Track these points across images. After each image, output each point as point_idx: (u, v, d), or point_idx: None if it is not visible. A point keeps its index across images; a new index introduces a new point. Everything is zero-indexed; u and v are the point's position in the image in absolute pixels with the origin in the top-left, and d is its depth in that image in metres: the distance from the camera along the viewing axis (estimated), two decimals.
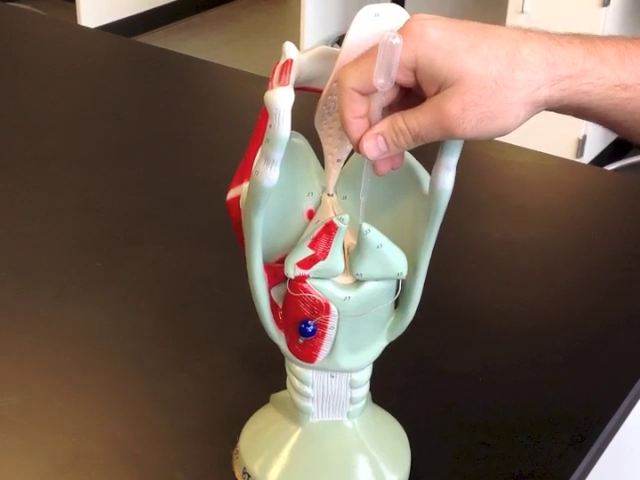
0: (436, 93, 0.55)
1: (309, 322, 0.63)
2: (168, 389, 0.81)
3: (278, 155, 0.55)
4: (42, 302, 0.92)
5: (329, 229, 0.60)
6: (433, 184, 0.60)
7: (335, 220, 0.60)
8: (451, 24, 0.55)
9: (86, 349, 0.86)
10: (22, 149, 1.22)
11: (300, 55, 0.58)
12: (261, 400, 0.74)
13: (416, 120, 0.55)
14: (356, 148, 0.57)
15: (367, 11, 0.57)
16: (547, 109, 0.58)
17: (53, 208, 1.08)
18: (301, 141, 0.62)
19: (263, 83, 0.57)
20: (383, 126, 0.56)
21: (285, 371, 0.68)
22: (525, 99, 0.55)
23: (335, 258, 0.61)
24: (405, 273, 0.62)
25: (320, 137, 0.62)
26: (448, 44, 0.54)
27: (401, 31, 0.54)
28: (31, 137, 1.25)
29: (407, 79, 0.55)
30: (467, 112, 0.54)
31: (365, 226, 0.60)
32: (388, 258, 0.61)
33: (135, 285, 0.95)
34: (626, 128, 0.60)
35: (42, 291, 0.93)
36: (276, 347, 0.66)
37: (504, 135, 0.56)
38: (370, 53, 0.55)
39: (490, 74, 0.54)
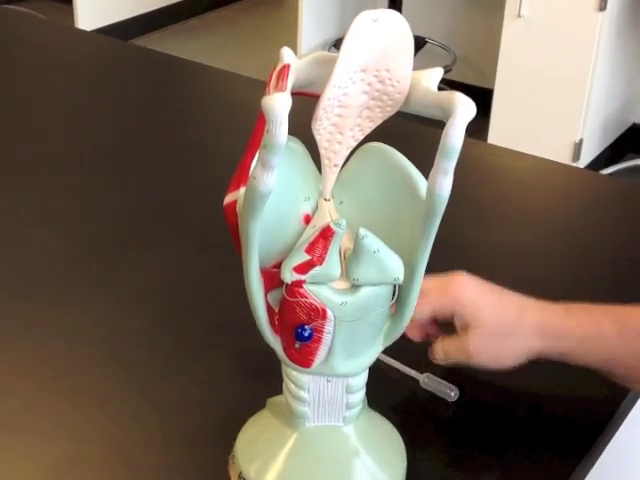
0: (462, 327, 0.76)
1: (305, 327, 0.62)
2: (165, 393, 0.81)
3: (275, 160, 0.55)
4: (38, 306, 0.92)
5: (326, 234, 0.60)
6: (430, 189, 0.60)
7: (332, 225, 0.60)
8: (480, 288, 0.77)
9: (82, 353, 0.86)
10: (17, 152, 1.22)
11: (297, 60, 0.58)
12: (257, 404, 0.74)
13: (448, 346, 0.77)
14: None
15: (365, 17, 0.57)
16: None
17: (49, 211, 1.08)
18: (298, 146, 0.62)
19: (260, 87, 0.58)
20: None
21: (281, 376, 0.68)
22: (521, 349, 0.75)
23: (332, 263, 0.61)
24: (402, 278, 0.62)
25: (317, 142, 0.61)
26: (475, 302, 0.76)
27: (446, 289, 0.77)
28: (27, 140, 1.25)
29: (445, 319, 0.77)
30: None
31: (362, 231, 0.60)
32: (385, 263, 0.61)
33: (131, 289, 0.95)
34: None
35: (38, 294, 0.93)
36: (272, 352, 0.66)
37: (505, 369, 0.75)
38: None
39: (501, 325, 0.75)
